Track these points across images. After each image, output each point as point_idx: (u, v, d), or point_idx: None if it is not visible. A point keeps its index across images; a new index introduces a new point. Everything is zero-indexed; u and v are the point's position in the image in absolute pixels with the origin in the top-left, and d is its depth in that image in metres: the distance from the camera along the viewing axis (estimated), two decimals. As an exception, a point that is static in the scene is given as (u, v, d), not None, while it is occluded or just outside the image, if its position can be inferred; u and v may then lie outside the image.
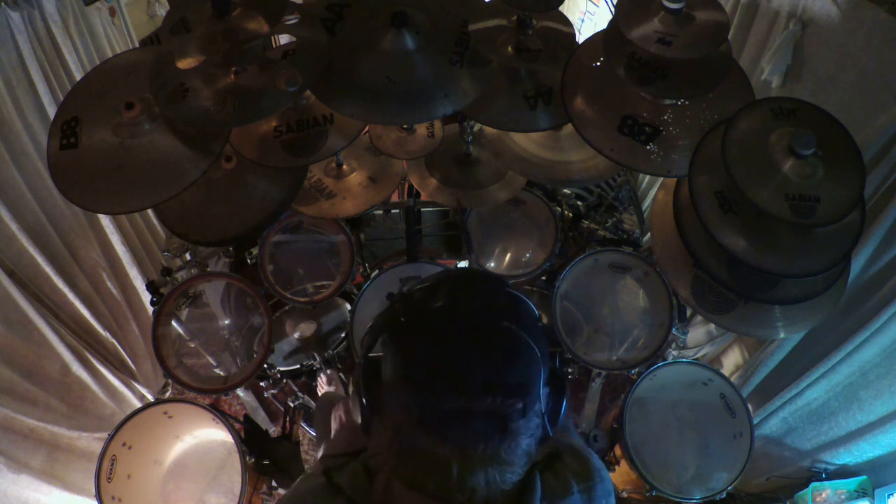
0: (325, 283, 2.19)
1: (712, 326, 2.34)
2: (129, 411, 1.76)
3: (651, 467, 1.80)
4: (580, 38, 1.56)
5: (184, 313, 2.01)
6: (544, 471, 0.72)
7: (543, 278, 2.30)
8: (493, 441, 0.63)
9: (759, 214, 1.23)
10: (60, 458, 2.10)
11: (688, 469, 1.86)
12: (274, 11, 1.25)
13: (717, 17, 1.31)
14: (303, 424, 2.38)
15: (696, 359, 2.23)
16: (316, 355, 2.17)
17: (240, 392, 2.33)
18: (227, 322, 2.24)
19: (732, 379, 1.90)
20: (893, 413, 1.68)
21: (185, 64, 1.21)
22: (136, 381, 2.43)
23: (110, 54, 2.17)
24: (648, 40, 1.28)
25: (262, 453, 1.90)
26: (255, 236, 1.96)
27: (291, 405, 2.31)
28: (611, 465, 1.97)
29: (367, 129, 1.82)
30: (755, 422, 1.94)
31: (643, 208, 2.94)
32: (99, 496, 1.66)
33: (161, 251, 2.17)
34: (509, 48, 1.51)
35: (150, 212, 2.41)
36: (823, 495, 1.89)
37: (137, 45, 2.36)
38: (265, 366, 1.98)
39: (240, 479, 1.72)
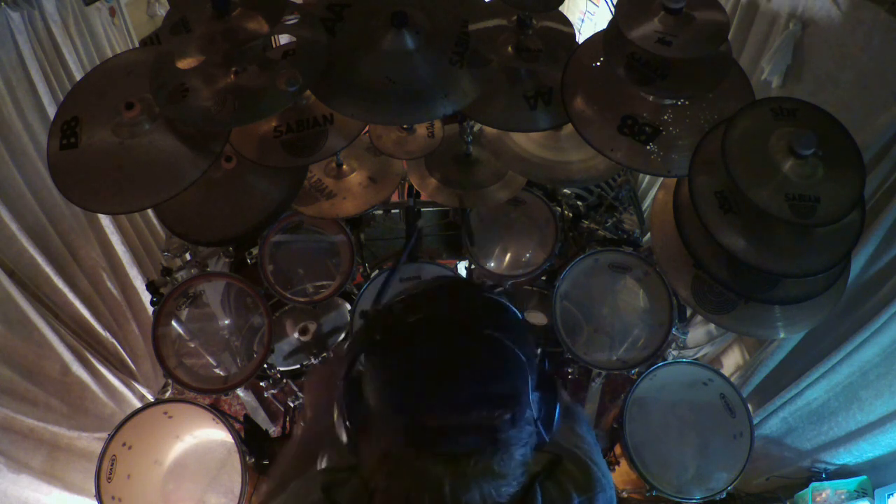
0: (325, 283, 2.19)
1: (712, 326, 2.34)
2: (129, 411, 1.76)
3: (651, 467, 1.80)
4: (580, 38, 1.56)
5: (184, 313, 2.01)
6: (545, 481, 0.71)
7: (543, 278, 2.30)
8: (485, 455, 0.61)
9: (759, 214, 1.23)
10: (60, 458, 2.10)
11: (688, 469, 1.86)
12: (274, 11, 1.25)
13: (717, 17, 1.31)
14: (303, 424, 2.37)
15: (696, 359, 2.23)
16: (316, 355, 2.17)
17: (240, 392, 2.33)
18: (227, 322, 2.24)
19: (732, 379, 1.90)
20: (893, 413, 1.68)
21: (185, 64, 1.21)
22: (136, 381, 2.43)
23: (110, 54, 2.17)
24: (648, 40, 1.28)
25: (262, 453, 1.90)
26: (255, 236, 1.96)
27: (291, 405, 2.31)
28: (611, 465, 1.97)
29: (367, 129, 1.82)
30: (755, 422, 1.94)
31: (643, 208, 2.94)
32: (99, 496, 1.66)
33: (161, 251, 2.16)
34: (509, 48, 1.51)
35: (150, 212, 2.41)
36: (823, 495, 1.89)
37: (137, 45, 2.36)
38: (265, 366, 1.98)
39: (240, 479, 1.72)
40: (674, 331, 1.85)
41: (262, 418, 2.44)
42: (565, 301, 2.00)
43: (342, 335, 2.24)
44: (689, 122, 1.43)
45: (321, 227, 2.10)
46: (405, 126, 1.82)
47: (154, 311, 1.85)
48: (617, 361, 1.94)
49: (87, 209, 1.28)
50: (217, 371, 2.13)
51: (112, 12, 2.19)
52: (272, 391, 2.28)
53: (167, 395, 2.59)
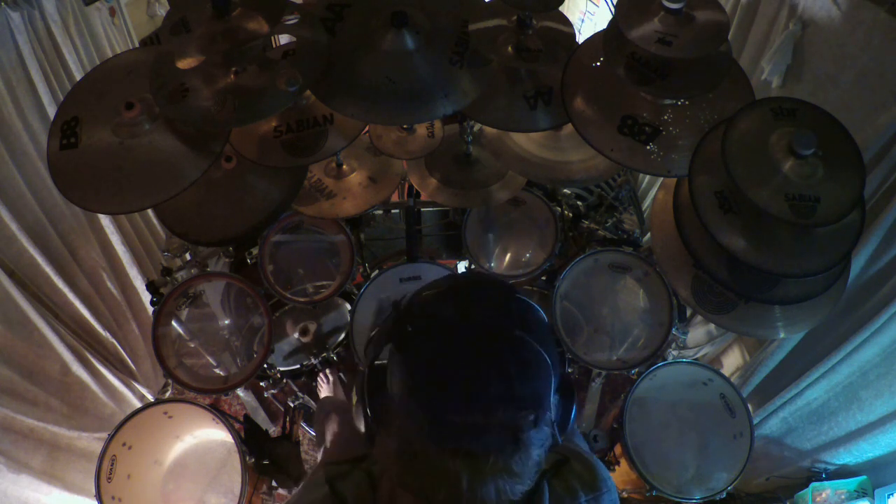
0: (325, 283, 2.19)
1: (712, 326, 2.34)
2: (129, 411, 1.76)
3: (651, 467, 1.80)
4: (580, 38, 1.56)
5: (184, 313, 2.01)
6: (552, 479, 0.71)
7: (543, 278, 2.30)
8: (505, 453, 0.61)
9: (759, 214, 1.23)
10: (60, 458, 2.10)
11: (688, 469, 1.86)
12: (274, 11, 1.25)
13: (717, 17, 1.31)
14: (303, 424, 2.38)
15: (696, 359, 2.23)
16: (316, 355, 2.17)
17: (240, 392, 2.33)
18: (227, 322, 2.24)
19: (732, 379, 1.90)
20: (893, 413, 1.68)
21: (185, 64, 1.21)
22: (136, 381, 2.43)
23: (110, 54, 2.17)
24: (648, 40, 1.28)
25: (262, 453, 1.90)
26: (255, 236, 1.96)
27: (291, 405, 2.31)
28: (611, 465, 1.97)
29: (367, 129, 1.82)
30: (755, 422, 1.94)
31: (643, 208, 2.94)
32: (99, 496, 1.66)
33: (161, 251, 2.17)
34: (509, 48, 1.51)
35: (150, 212, 2.41)
36: (823, 495, 1.89)
37: (137, 45, 2.36)
38: (265, 366, 1.98)
39: (240, 479, 1.72)
40: (674, 331, 1.85)
41: (262, 418, 2.44)
42: (565, 301, 2.00)
43: (342, 335, 2.24)
44: (689, 122, 1.43)
45: (321, 227, 2.10)
46: (405, 126, 1.82)
47: (154, 311, 1.85)
48: (617, 361, 1.94)
49: (87, 209, 1.28)
50: (217, 371, 2.13)
51: (112, 12, 2.19)
52: (272, 391, 2.28)
53: (167, 395, 2.60)
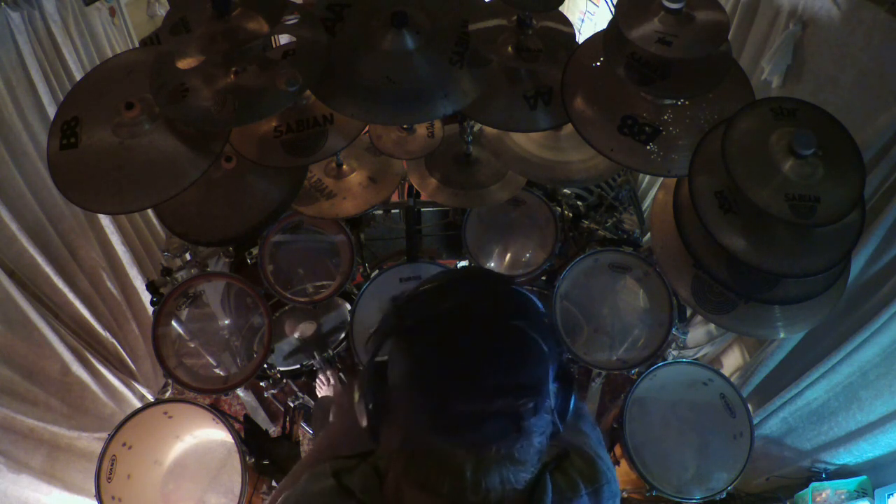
0: (325, 283, 2.19)
1: (712, 326, 2.34)
2: (129, 411, 1.76)
3: (651, 467, 1.80)
4: (580, 38, 1.56)
5: (184, 313, 2.01)
6: (554, 471, 0.72)
7: (543, 278, 2.30)
8: (507, 441, 0.62)
9: (759, 214, 1.22)
10: (60, 458, 2.10)
11: (688, 469, 1.86)
12: (274, 11, 1.25)
13: (717, 17, 1.31)
14: (303, 424, 2.38)
15: (696, 359, 2.23)
16: (316, 355, 2.17)
17: (240, 392, 2.33)
18: (227, 322, 2.24)
19: (732, 379, 1.90)
20: (893, 413, 1.68)
21: (185, 64, 1.21)
22: (136, 381, 2.43)
23: (110, 54, 2.17)
24: (648, 40, 1.28)
25: (262, 453, 1.90)
26: (255, 236, 1.96)
27: (291, 405, 2.31)
28: (611, 465, 1.96)
29: (367, 129, 1.82)
30: (755, 422, 1.94)
31: (643, 208, 2.94)
32: (99, 496, 1.66)
33: (161, 251, 2.17)
34: (509, 48, 1.51)
35: (150, 212, 2.41)
36: (823, 495, 1.89)
37: (137, 45, 2.35)
38: (265, 366, 1.98)
39: (240, 479, 1.72)
40: (674, 331, 1.85)
41: (262, 418, 2.44)
42: (565, 301, 2.00)
43: (342, 335, 2.24)
44: (689, 122, 1.43)
45: (321, 227, 2.10)
46: (405, 126, 1.82)
47: (154, 311, 1.85)
48: (617, 361, 1.94)
49: (87, 209, 1.28)
50: (217, 371, 2.13)
51: (112, 12, 2.19)
52: (272, 391, 2.28)
53: (167, 395, 2.59)
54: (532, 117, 1.52)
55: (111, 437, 1.70)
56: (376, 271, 2.06)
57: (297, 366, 2.18)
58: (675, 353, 2.02)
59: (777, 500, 2.14)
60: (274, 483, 1.98)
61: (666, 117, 1.43)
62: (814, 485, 1.91)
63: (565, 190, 2.61)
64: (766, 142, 1.26)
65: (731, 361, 2.41)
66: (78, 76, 1.96)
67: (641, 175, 3.01)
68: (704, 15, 1.31)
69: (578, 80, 1.48)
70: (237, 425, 1.85)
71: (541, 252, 2.14)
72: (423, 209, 2.57)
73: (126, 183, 1.23)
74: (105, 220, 2.22)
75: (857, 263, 1.61)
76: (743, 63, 1.84)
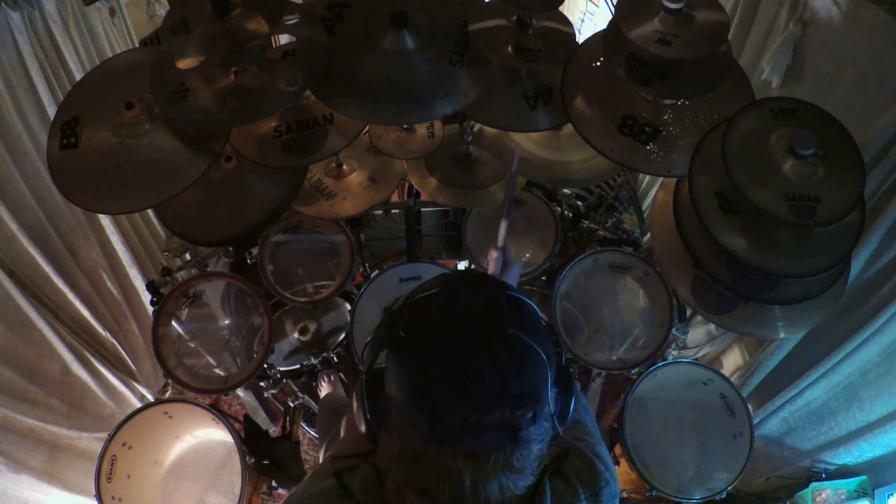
0: (325, 283, 2.19)
1: (712, 326, 2.33)
2: (129, 411, 1.76)
3: (651, 467, 1.80)
4: (580, 38, 1.56)
5: (184, 313, 2.01)
6: (553, 475, 0.72)
7: (543, 278, 2.30)
8: (506, 451, 0.61)
9: (759, 214, 1.23)
10: (60, 458, 2.10)
11: (688, 469, 1.86)
12: (274, 11, 1.25)
13: (717, 17, 1.31)
14: (303, 424, 2.38)
15: (696, 359, 2.23)
16: (316, 355, 2.17)
17: (240, 392, 2.33)
18: (227, 322, 2.24)
19: (732, 379, 1.90)
20: (893, 413, 1.68)
21: (185, 64, 1.21)
22: (136, 381, 2.43)
23: (110, 54, 2.17)
24: (648, 40, 1.28)
25: (262, 453, 1.90)
26: (255, 236, 1.96)
27: (291, 405, 2.31)
28: (611, 465, 1.96)
29: (367, 129, 1.82)
30: (755, 422, 1.94)
31: (643, 208, 2.94)
32: (99, 496, 1.66)
33: (161, 251, 2.17)
34: (509, 48, 1.51)
35: (150, 212, 2.41)
36: (823, 495, 1.89)
37: (137, 45, 2.35)
38: (265, 366, 1.98)
39: (240, 479, 1.72)
40: (674, 331, 1.85)
41: (262, 418, 2.44)
42: (565, 301, 2.00)
43: (342, 335, 2.24)
44: (689, 122, 1.43)
45: (321, 227, 2.10)
46: (405, 126, 1.82)
47: (154, 311, 1.85)
48: (617, 361, 1.94)
49: (87, 209, 1.29)
50: (217, 371, 2.13)
51: (112, 12, 2.19)
52: (272, 391, 2.28)
53: (167, 395, 2.60)
54: (532, 117, 1.52)
55: (111, 437, 1.70)
56: (376, 271, 2.05)
57: (297, 366, 2.18)
58: (675, 353, 2.02)
59: (777, 500, 2.14)
60: (274, 483, 1.98)
61: (666, 117, 1.43)
62: (814, 485, 1.91)
63: (565, 190, 2.61)
64: (766, 142, 1.26)
65: (731, 361, 2.41)
66: (78, 76, 1.96)
67: (641, 175, 3.01)
68: (704, 15, 1.31)
69: (578, 80, 1.48)
70: (237, 425, 1.85)
71: (541, 252, 2.14)
72: (423, 209, 2.57)
73: (126, 183, 1.23)
74: (105, 220, 2.22)
75: (857, 263, 1.60)
76: (743, 63, 1.84)
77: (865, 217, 1.29)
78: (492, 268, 1.25)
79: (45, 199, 1.97)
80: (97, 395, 2.23)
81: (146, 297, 2.15)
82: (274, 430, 2.39)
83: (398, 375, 0.64)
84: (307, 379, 2.35)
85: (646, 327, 1.96)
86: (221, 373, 2.12)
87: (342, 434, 1.10)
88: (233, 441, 1.75)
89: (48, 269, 1.98)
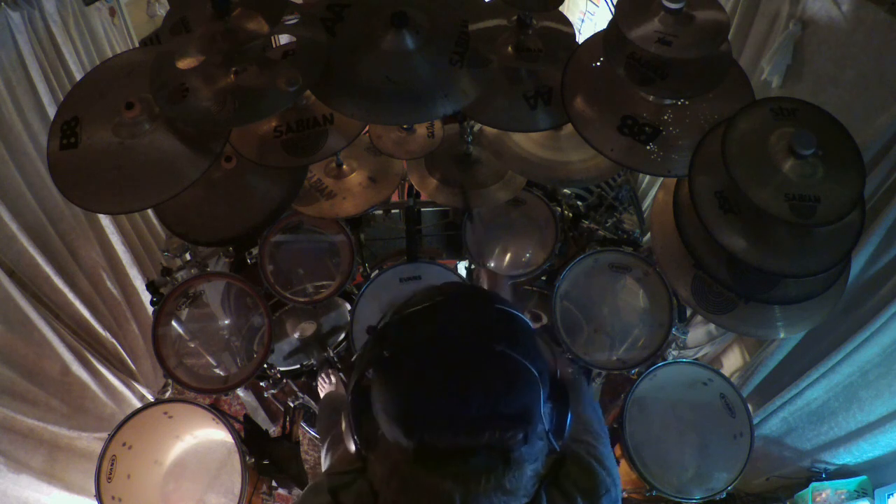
0: (325, 283, 2.19)
1: (712, 326, 2.34)
2: (129, 411, 1.76)
3: (651, 467, 1.80)
4: (580, 38, 1.56)
5: (184, 313, 2.01)
6: (550, 486, 0.70)
7: (543, 278, 2.30)
8: (496, 473, 0.59)
9: (759, 214, 1.23)
10: (60, 458, 2.10)
11: (688, 469, 1.86)
12: (274, 11, 1.25)
13: (717, 17, 1.31)
14: (303, 424, 2.38)
15: (696, 359, 2.23)
16: (316, 355, 2.17)
17: (240, 392, 2.33)
18: (227, 322, 2.24)
19: (732, 379, 1.90)
20: (893, 413, 1.68)
21: (185, 64, 1.21)
22: (136, 381, 2.43)
23: (110, 54, 2.17)
24: (648, 40, 1.28)
25: (262, 453, 1.90)
26: (255, 236, 1.96)
27: (291, 405, 2.31)
28: (611, 465, 1.96)
29: (367, 129, 1.82)
30: (755, 422, 1.94)
31: (643, 208, 2.94)
32: (99, 496, 1.66)
33: (161, 251, 2.17)
34: (509, 48, 1.51)
35: (150, 212, 2.41)
36: (823, 495, 1.89)
37: (137, 45, 2.36)
38: (265, 366, 1.98)
39: (240, 479, 1.72)
40: (674, 331, 1.85)
41: (262, 418, 2.44)
42: (565, 301, 2.00)
43: (342, 335, 2.24)
44: (689, 122, 1.43)
45: (321, 227, 2.10)
46: (405, 126, 1.82)
47: (154, 311, 1.85)
48: (617, 361, 1.93)
49: (87, 209, 1.28)
50: (217, 371, 2.13)
51: (112, 12, 2.19)
52: (272, 391, 2.28)
53: (167, 395, 2.60)
54: (532, 117, 1.52)
55: (111, 437, 1.70)
56: (376, 271, 2.05)
57: (297, 366, 2.18)
58: (675, 353, 2.02)
59: (777, 500, 2.14)
60: (274, 483, 1.98)
61: (666, 117, 1.43)
62: (814, 485, 1.91)
63: (565, 190, 2.61)
64: (766, 142, 1.26)
65: (731, 361, 2.41)
66: (78, 76, 1.96)
67: (641, 175, 3.01)
68: (704, 15, 1.31)
69: (578, 80, 1.48)
70: (237, 425, 1.85)
71: (541, 252, 2.14)
72: (423, 209, 2.57)
73: (126, 183, 1.23)
74: (105, 220, 2.22)
75: (857, 263, 1.61)
76: (743, 63, 1.84)
77: (865, 217, 1.29)
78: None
79: (45, 199, 1.97)
80: (97, 395, 2.23)
81: (146, 297, 2.15)
82: (274, 430, 2.39)
83: (383, 396, 0.62)
84: (307, 379, 2.35)
85: (646, 327, 1.96)
86: (221, 373, 2.12)
87: (340, 442, 1.10)
88: (233, 441, 1.75)
89: (48, 269, 1.98)
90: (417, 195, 2.06)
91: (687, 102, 1.44)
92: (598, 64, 1.49)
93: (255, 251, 1.98)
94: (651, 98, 1.44)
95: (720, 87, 1.36)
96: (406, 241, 2.10)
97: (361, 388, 0.66)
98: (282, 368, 2.15)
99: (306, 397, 2.36)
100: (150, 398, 2.48)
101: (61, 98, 1.53)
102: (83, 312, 2.15)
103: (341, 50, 1.34)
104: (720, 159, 1.25)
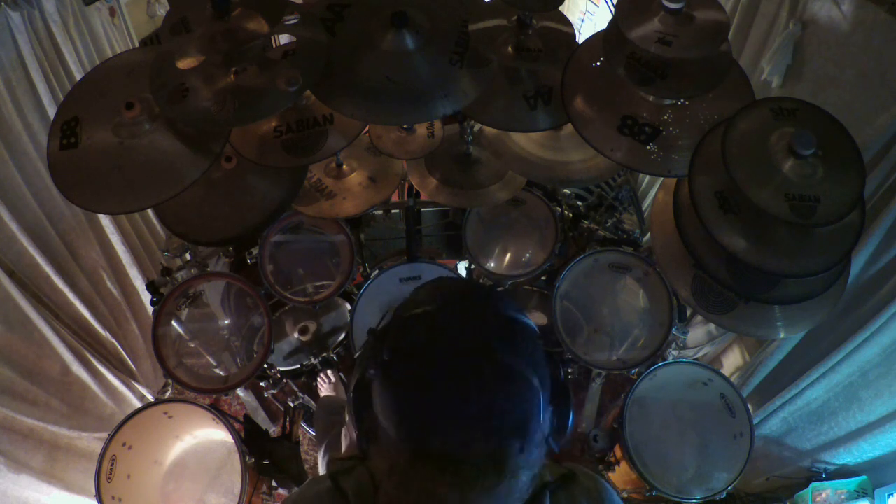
0: (325, 283, 2.19)
1: (712, 326, 2.33)
2: (129, 411, 1.76)
3: (651, 467, 1.80)
4: (580, 38, 1.56)
5: (184, 313, 2.01)
6: (557, 491, 0.70)
7: (543, 278, 2.30)
8: (490, 481, 0.59)
9: (759, 214, 1.23)
10: (60, 458, 2.10)
11: (688, 469, 1.86)
12: (274, 11, 1.25)
13: (717, 17, 1.31)
14: (303, 424, 2.38)
15: (696, 359, 2.23)
16: (316, 355, 2.17)
17: (240, 392, 2.33)
18: (227, 322, 2.24)
19: (732, 379, 1.90)
20: (893, 413, 1.68)
21: (185, 64, 1.21)
22: (136, 381, 2.43)
23: (110, 54, 2.17)
24: (648, 40, 1.28)
25: (262, 453, 1.90)
26: (255, 236, 1.96)
27: (291, 405, 2.31)
28: (611, 465, 1.97)
29: (367, 129, 1.82)
30: (755, 422, 1.94)
31: (643, 208, 2.94)
32: (99, 496, 1.66)
33: (161, 251, 2.17)
34: (509, 48, 1.51)
35: (150, 212, 2.41)
36: (823, 495, 1.89)
37: (137, 45, 2.36)
38: (265, 366, 1.98)
39: (240, 479, 1.72)
40: (674, 331, 1.85)
41: (262, 418, 2.44)
42: (565, 301, 2.00)
43: (342, 335, 2.24)
44: (689, 122, 1.43)
45: (321, 227, 2.10)
46: (405, 126, 1.82)
47: (154, 311, 1.85)
48: (617, 361, 1.94)
49: (87, 209, 1.28)
50: (217, 371, 2.13)
51: (112, 12, 2.19)
52: (272, 391, 2.28)
53: (167, 395, 2.60)
54: (532, 117, 1.52)
55: (111, 437, 1.70)
56: (376, 271, 2.05)
57: (297, 366, 2.18)
58: (675, 353, 2.02)
59: (777, 500, 2.14)
60: (274, 483, 1.98)
61: (666, 117, 1.43)
62: (814, 485, 1.91)
63: (565, 190, 2.61)
64: (766, 142, 1.26)
65: (731, 361, 2.41)
66: (78, 76, 1.96)
67: (641, 175, 3.01)
68: (704, 15, 1.31)
69: (578, 80, 1.48)
70: (237, 425, 1.85)
71: (541, 252, 2.14)
72: (423, 209, 2.57)
73: (126, 183, 1.23)
74: (105, 220, 2.22)
75: (857, 263, 1.60)
76: (743, 63, 1.84)
77: (865, 217, 1.29)
78: None
79: (45, 199, 1.97)
80: (97, 395, 2.23)
81: (146, 297, 2.15)
82: (274, 430, 2.39)
83: (382, 400, 0.62)
84: (307, 379, 2.35)
85: (646, 327, 1.96)
86: (221, 373, 2.12)
87: (343, 437, 1.10)
88: (233, 441, 1.75)
89: (48, 269, 1.98)
90: (417, 195, 2.06)
91: (687, 102, 1.44)
92: (598, 64, 1.49)
93: (255, 251, 1.98)
94: (651, 98, 1.44)
95: (720, 87, 1.36)
96: (406, 241, 2.11)
97: (363, 385, 0.66)
98: (282, 368, 2.15)
99: (306, 397, 2.36)
100: (150, 398, 2.48)
101: (61, 98, 1.53)
102: (83, 312, 2.15)
103: (341, 50, 1.34)
104: (720, 159, 1.25)
